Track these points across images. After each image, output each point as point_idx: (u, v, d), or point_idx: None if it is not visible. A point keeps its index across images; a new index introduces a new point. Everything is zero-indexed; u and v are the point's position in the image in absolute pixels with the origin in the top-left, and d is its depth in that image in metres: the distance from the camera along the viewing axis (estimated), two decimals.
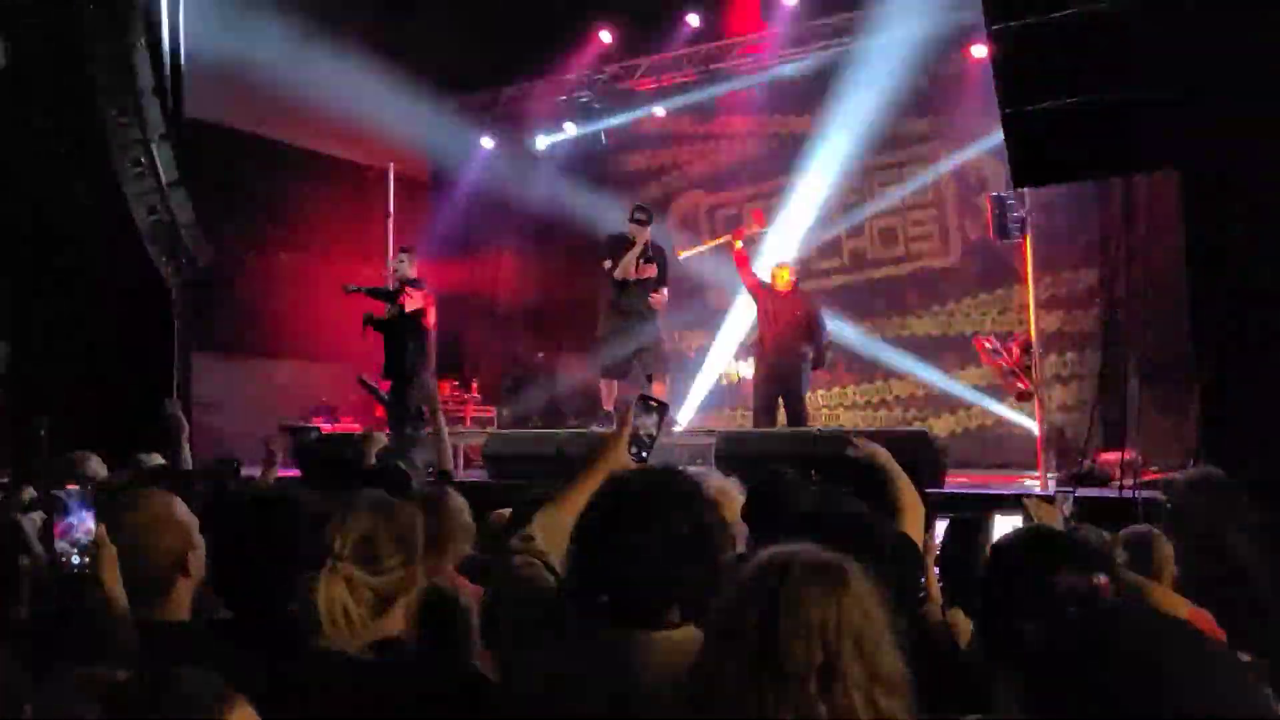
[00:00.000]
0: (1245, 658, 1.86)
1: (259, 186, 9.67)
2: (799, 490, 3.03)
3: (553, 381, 11.91)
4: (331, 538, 1.76)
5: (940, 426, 9.42)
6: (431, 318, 7.67)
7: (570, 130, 11.16)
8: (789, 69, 10.01)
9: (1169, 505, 3.83)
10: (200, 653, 1.89)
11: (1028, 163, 5.17)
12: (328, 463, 4.81)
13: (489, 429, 9.59)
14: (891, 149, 10.17)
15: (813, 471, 3.13)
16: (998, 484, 6.65)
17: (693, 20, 10.44)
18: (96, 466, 4.11)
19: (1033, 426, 7.75)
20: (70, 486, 2.71)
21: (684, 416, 9.82)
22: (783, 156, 10.72)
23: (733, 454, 6.11)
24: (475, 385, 10.79)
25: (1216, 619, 2.28)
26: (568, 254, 11.45)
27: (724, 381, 10.90)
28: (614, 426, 2.23)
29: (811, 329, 7.78)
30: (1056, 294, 8.78)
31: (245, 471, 4.71)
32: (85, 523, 2.49)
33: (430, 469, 6.49)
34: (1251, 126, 4.48)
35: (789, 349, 7.70)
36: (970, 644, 2.07)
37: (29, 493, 3.56)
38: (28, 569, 2.72)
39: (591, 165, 11.51)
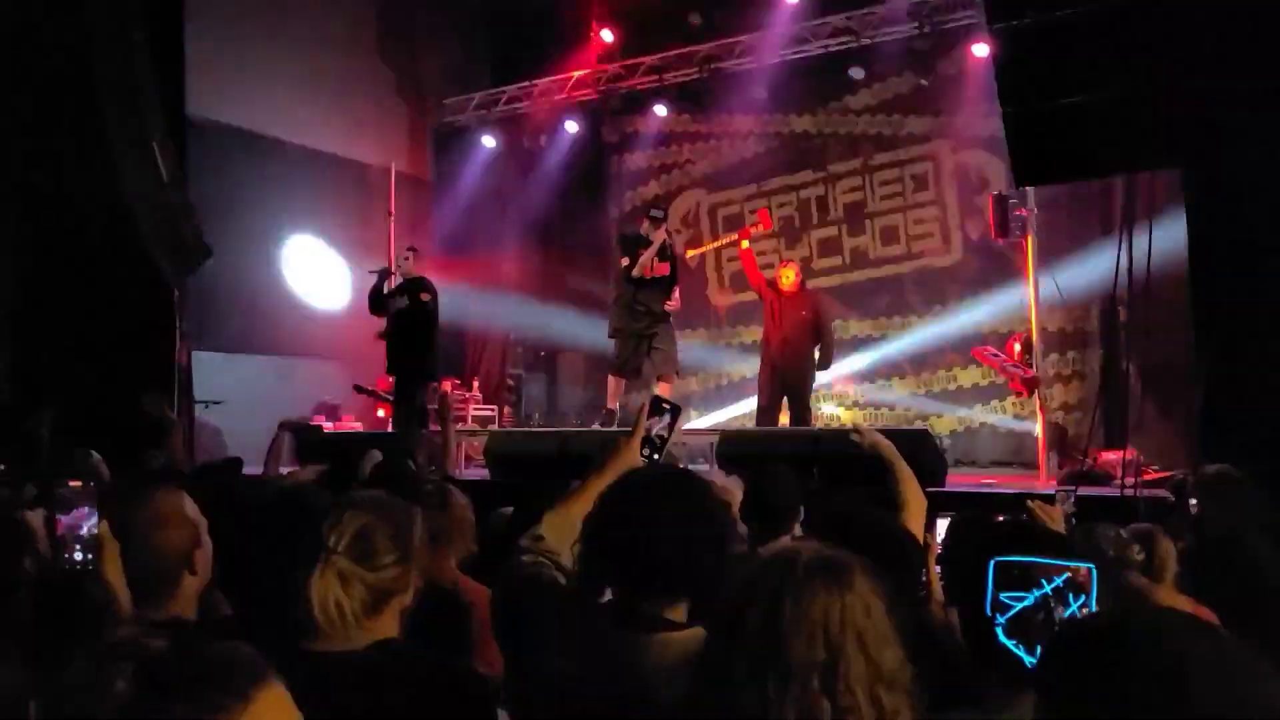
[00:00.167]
0: None
1: (259, 186, 9.67)
2: (797, 489, 3.04)
3: (554, 380, 11.92)
4: (327, 532, 1.76)
5: (941, 426, 9.42)
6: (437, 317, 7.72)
7: (571, 129, 11.16)
8: (790, 68, 9.98)
9: (1180, 504, 3.82)
10: None
11: (1029, 161, 5.18)
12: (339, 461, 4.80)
13: (490, 427, 9.59)
14: (893, 147, 10.19)
15: (814, 470, 3.13)
16: (999, 484, 6.64)
17: (694, 19, 10.44)
18: (98, 464, 4.12)
19: (1033, 426, 7.75)
20: (72, 483, 2.71)
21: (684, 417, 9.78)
22: (783, 156, 10.73)
23: (734, 453, 6.10)
24: (476, 384, 10.80)
25: (1228, 620, 2.27)
26: (568, 253, 11.45)
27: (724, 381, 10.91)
28: (616, 424, 2.23)
29: (818, 329, 7.77)
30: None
31: (245, 471, 4.70)
32: (88, 520, 2.49)
33: (433, 467, 6.48)
34: (1251, 126, 4.48)
35: (795, 349, 7.67)
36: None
37: (31, 490, 3.56)
38: (30, 566, 2.72)
39: (592, 165, 11.52)
